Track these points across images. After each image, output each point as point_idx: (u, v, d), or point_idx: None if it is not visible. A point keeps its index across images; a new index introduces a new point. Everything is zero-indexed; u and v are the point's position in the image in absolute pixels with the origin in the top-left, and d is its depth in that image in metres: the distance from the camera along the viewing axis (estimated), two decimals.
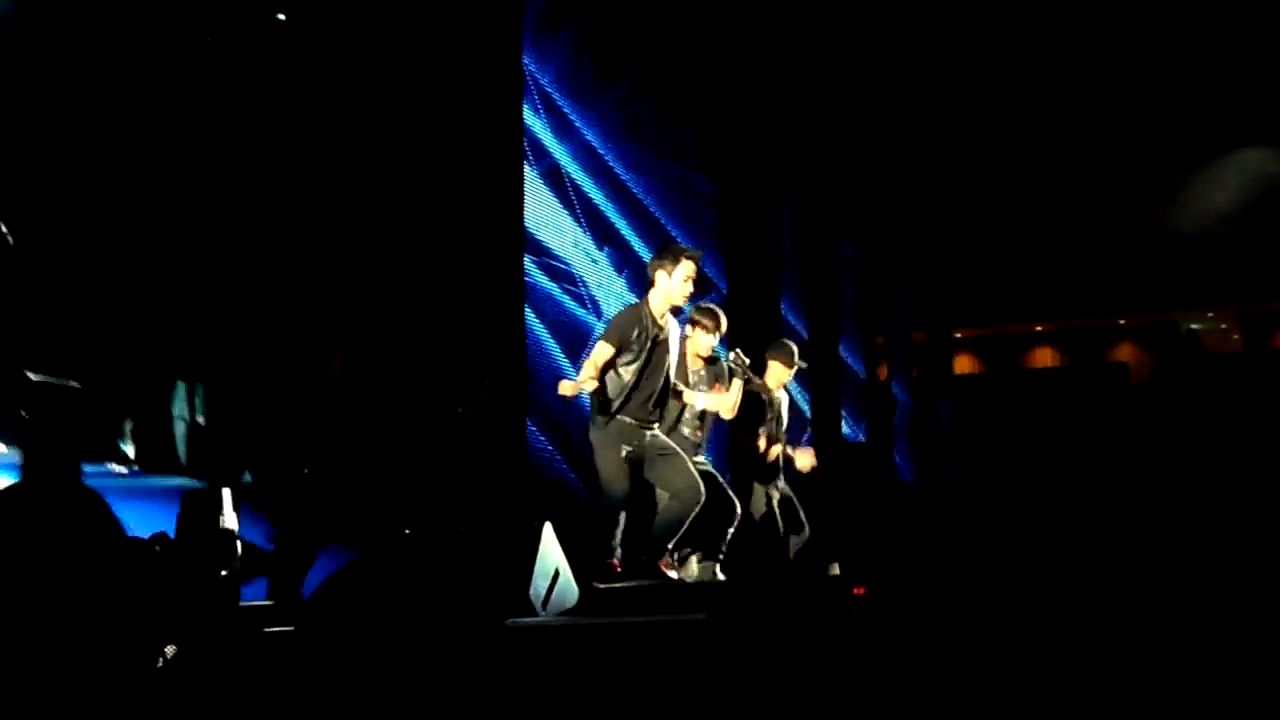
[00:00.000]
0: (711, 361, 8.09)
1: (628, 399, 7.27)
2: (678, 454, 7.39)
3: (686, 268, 7.36)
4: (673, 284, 7.34)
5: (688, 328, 8.04)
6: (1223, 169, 19.69)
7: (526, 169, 9.76)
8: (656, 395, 7.38)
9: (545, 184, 10.13)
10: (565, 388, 7.21)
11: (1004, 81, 16.34)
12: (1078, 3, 14.57)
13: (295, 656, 4.40)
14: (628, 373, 7.25)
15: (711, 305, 8.32)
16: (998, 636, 4.20)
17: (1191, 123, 17.81)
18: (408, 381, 8.62)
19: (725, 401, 8.00)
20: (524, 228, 9.67)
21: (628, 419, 7.29)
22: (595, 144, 10.98)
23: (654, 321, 7.33)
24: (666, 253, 7.48)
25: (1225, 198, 19.81)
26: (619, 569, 7.37)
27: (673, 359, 7.50)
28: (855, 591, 7.45)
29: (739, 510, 7.99)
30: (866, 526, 12.09)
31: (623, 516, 7.35)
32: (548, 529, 5.84)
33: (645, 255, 10.85)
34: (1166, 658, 3.98)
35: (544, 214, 10.07)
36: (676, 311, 7.50)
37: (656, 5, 11.82)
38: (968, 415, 22.23)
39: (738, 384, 8.05)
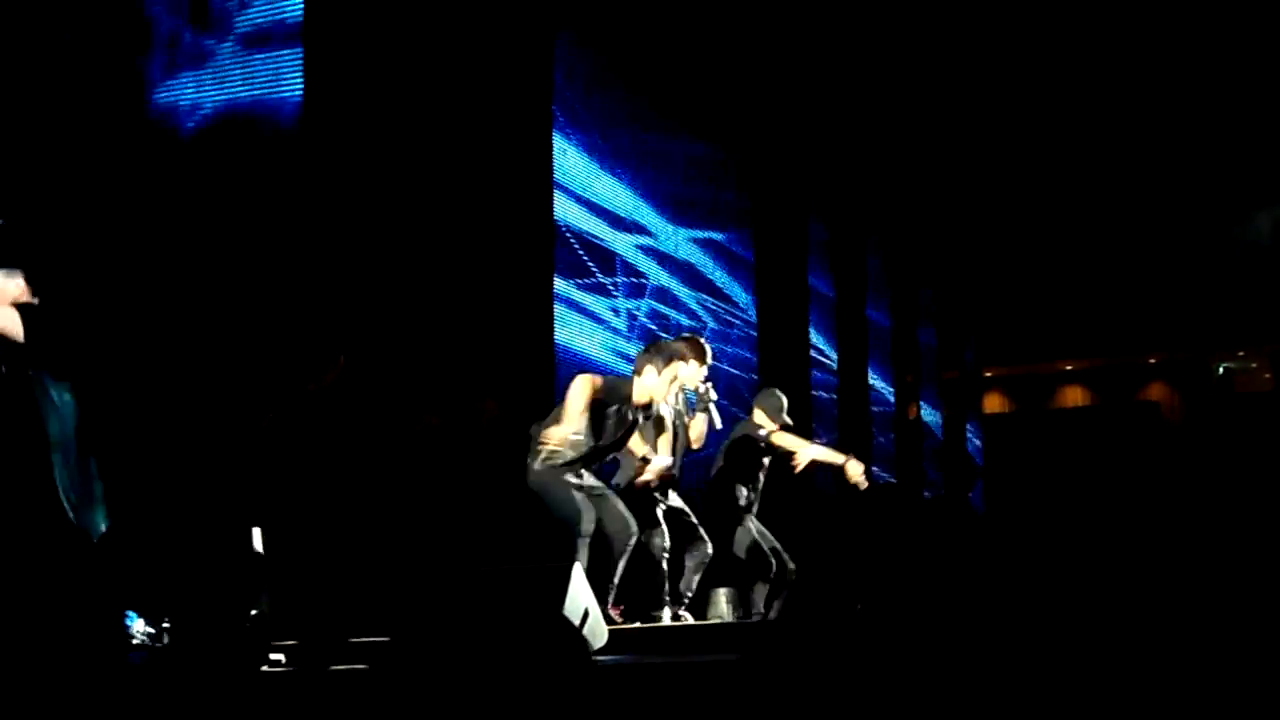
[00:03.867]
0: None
1: (586, 458, 7.24)
2: (606, 494, 7.30)
3: (674, 369, 7.38)
4: (657, 382, 7.34)
5: (676, 364, 7.93)
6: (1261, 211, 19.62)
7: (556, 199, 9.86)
8: (604, 462, 7.41)
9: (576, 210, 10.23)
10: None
11: (1039, 124, 16.33)
12: (1117, 40, 14.54)
13: (369, 698, 4.39)
14: (590, 440, 7.22)
15: (695, 336, 8.30)
16: (1033, 675, 4.19)
17: (1230, 165, 17.75)
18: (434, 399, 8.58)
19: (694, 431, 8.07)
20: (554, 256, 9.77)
21: (574, 465, 7.24)
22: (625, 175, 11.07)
23: (631, 406, 7.30)
24: (659, 350, 7.47)
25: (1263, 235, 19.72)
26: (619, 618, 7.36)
27: (638, 443, 7.49)
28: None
29: (709, 550, 8.00)
30: (895, 566, 12.03)
31: (625, 555, 7.33)
32: (577, 568, 5.82)
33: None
34: (1198, 691, 3.97)
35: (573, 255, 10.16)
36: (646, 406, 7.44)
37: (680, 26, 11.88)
38: (998, 454, 22.16)
39: (701, 416, 8.08)
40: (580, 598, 5.77)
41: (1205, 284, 20.79)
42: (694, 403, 8.11)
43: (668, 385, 7.39)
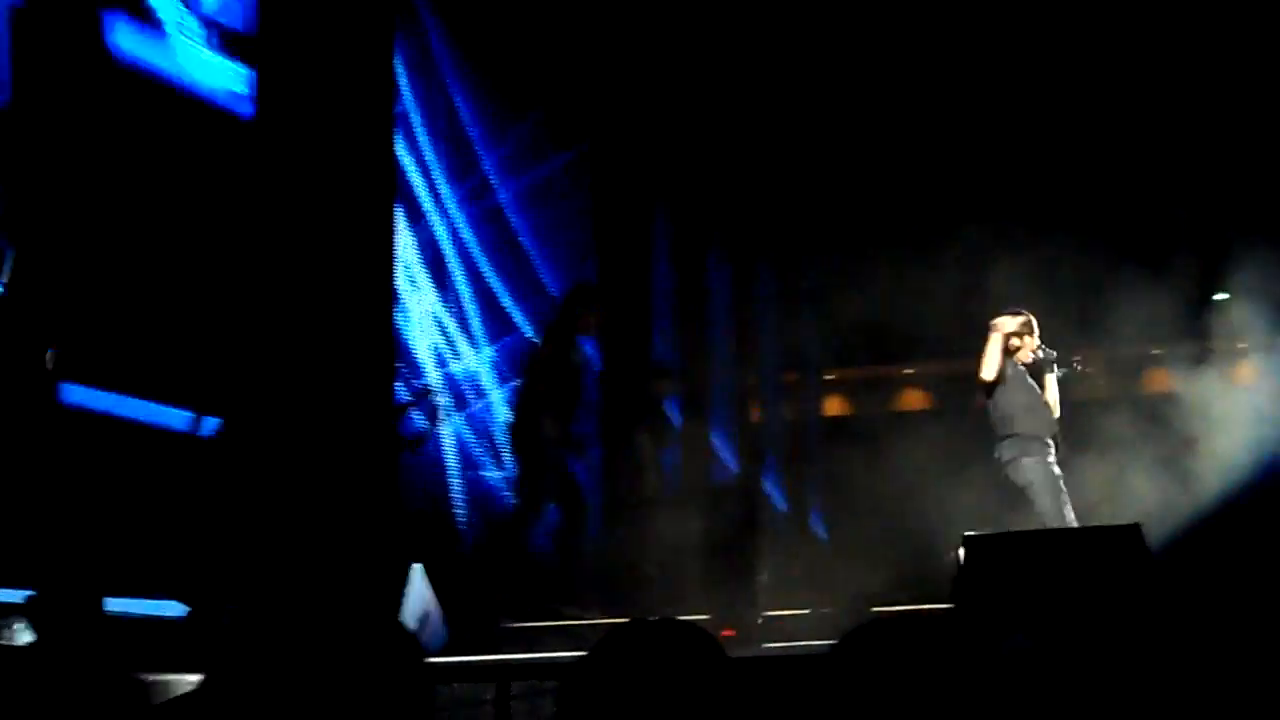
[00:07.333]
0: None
1: None
2: None
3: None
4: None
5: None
6: None
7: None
8: None
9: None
10: None
11: (879, 120, 16.38)
12: (934, 50, 14.65)
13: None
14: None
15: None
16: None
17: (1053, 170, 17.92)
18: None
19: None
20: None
21: None
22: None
23: None
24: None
25: None
26: None
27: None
28: (724, 634, 7.16)
29: None
30: (736, 567, 11.89)
31: None
32: (417, 569, 5.57)
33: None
34: None
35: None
36: None
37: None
38: (839, 457, 22.23)
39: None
40: (420, 600, 5.52)
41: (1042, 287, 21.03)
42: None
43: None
